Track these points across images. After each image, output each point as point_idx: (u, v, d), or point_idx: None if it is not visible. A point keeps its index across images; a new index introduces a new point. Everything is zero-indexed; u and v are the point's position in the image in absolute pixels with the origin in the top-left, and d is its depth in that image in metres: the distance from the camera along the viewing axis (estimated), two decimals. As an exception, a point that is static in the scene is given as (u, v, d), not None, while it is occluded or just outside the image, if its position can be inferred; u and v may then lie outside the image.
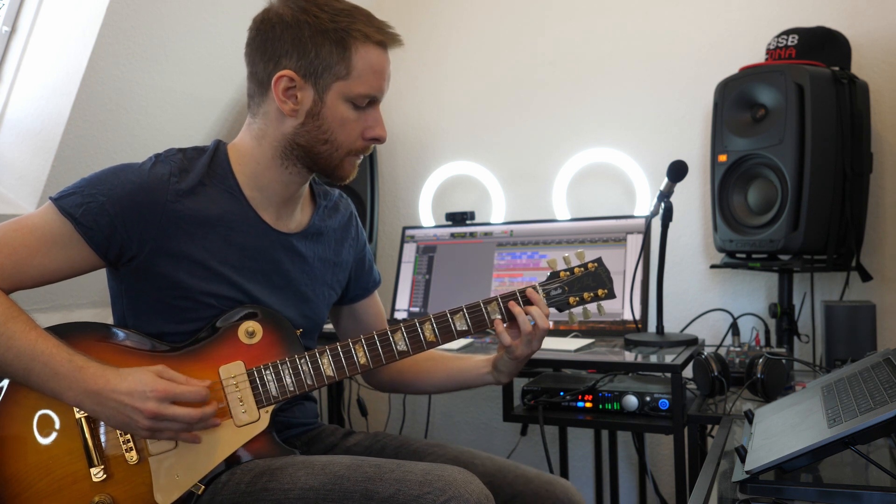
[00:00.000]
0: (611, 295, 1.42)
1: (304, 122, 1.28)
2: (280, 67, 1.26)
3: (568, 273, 1.41)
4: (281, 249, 1.36)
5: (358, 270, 1.54)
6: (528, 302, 1.37)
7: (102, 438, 1.24)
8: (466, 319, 1.35)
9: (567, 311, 1.43)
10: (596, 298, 1.41)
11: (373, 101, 1.31)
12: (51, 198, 1.25)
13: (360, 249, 1.55)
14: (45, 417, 1.24)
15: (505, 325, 1.36)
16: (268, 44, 1.27)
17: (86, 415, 1.22)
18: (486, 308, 1.35)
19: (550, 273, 1.42)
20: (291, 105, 1.28)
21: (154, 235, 1.26)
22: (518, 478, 1.35)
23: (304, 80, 1.26)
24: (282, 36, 1.26)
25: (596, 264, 1.43)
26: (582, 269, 1.42)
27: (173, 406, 1.16)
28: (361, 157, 1.36)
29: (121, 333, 1.30)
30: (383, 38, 1.28)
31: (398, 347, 1.33)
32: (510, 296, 1.37)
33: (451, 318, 1.34)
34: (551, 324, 1.38)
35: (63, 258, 1.25)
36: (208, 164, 1.31)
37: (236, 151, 1.35)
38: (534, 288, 1.38)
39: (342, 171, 1.34)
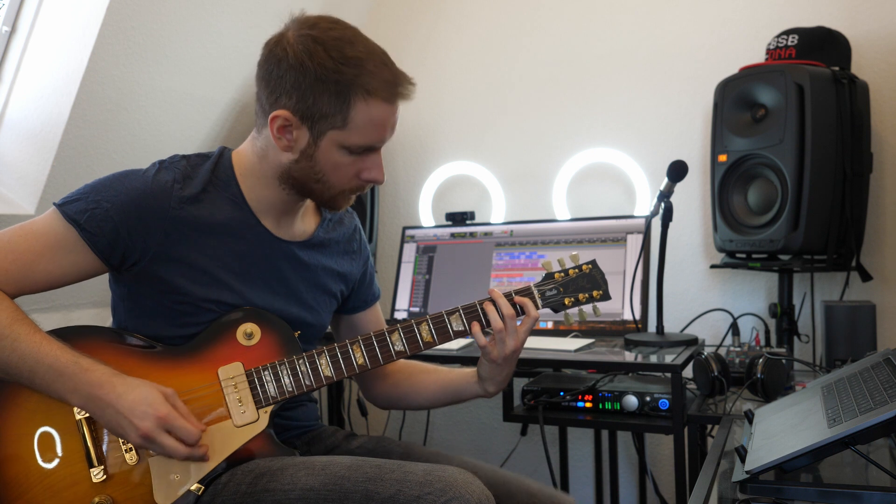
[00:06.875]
0: (605, 296, 1.43)
1: (298, 160, 1.28)
2: (278, 106, 1.24)
3: (562, 275, 1.42)
4: (282, 257, 1.37)
5: (359, 283, 1.53)
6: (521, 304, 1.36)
7: (102, 440, 1.24)
8: (463, 320, 1.35)
9: (563, 312, 1.43)
10: (591, 300, 1.42)
11: (371, 149, 1.29)
12: (55, 203, 1.26)
13: (363, 263, 1.54)
14: (44, 419, 1.24)
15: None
16: (272, 77, 1.24)
17: (86, 416, 1.23)
18: (482, 308, 1.35)
19: (545, 274, 1.42)
20: (286, 142, 1.26)
21: (157, 241, 1.26)
22: (521, 490, 1.34)
23: (300, 122, 1.24)
24: (285, 75, 1.22)
25: (590, 266, 1.43)
26: (576, 270, 1.42)
27: (166, 435, 1.16)
28: (359, 192, 1.35)
29: (119, 336, 1.30)
30: (389, 94, 1.23)
31: (395, 348, 1.33)
32: (506, 296, 1.36)
33: (448, 319, 1.34)
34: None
35: (67, 264, 1.25)
36: (212, 170, 1.32)
37: (240, 160, 1.34)
38: (528, 288, 1.39)
39: (335, 204, 1.34)
